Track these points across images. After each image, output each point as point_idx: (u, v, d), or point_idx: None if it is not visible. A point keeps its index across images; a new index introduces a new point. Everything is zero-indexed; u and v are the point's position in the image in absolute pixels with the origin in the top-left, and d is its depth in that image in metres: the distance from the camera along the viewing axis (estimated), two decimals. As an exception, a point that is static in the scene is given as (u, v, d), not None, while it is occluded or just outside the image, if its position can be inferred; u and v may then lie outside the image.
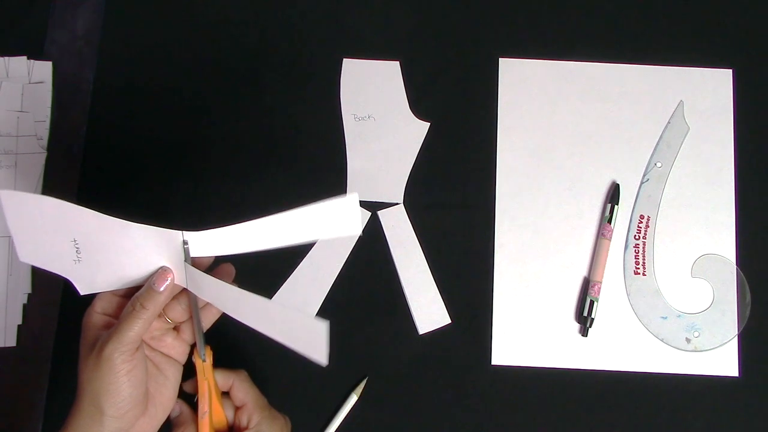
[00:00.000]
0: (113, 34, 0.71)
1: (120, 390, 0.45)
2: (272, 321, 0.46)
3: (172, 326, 0.51)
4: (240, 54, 0.70)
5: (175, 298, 0.49)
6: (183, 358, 0.51)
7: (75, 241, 0.47)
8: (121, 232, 0.46)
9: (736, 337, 0.65)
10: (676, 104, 0.69)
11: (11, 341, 0.64)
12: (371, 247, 0.66)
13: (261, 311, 0.46)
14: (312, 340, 0.43)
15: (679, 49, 0.70)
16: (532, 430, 0.63)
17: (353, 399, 0.63)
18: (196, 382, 0.51)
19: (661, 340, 0.65)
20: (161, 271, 0.48)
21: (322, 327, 0.42)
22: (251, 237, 0.47)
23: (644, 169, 0.68)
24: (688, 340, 0.65)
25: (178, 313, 0.49)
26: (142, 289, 0.47)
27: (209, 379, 0.50)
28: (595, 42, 0.70)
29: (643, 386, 0.64)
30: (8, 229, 0.46)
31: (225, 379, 0.52)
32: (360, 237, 0.66)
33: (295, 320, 0.45)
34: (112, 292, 0.49)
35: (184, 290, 0.49)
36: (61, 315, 0.64)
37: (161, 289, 0.47)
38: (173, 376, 0.50)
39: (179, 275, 0.48)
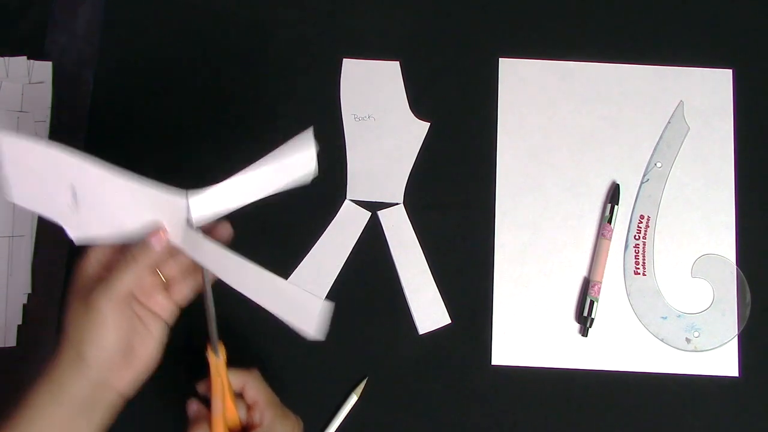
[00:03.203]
0: (113, 34, 0.71)
1: (104, 339, 0.45)
2: (268, 292, 0.46)
3: (165, 284, 0.50)
4: (240, 54, 0.70)
5: (171, 255, 0.49)
6: (170, 319, 0.51)
7: (74, 190, 0.47)
8: (123, 187, 0.46)
9: (736, 337, 0.65)
10: (676, 104, 0.69)
11: (11, 341, 0.64)
12: (371, 247, 0.66)
13: (258, 281, 0.46)
14: (305, 315, 0.44)
15: (679, 49, 0.70)
16: (532, 430, 0.63)
17: (353, 399, 0.63)
18: (210, 379, 0.51)
19: (661, 340, 0.65)
20: (157, 228, 0.48)
21: (316, 302, 0.43)
22: (246, 189, 0.48)
23: (644, 169, 0.68)
24: (688, 340, 0.65)
25: (173, 270, 0.50)
26: (137, 243, 0.48)
27: (222, 376, 0.51)
28: (595, 42, 0.70)
29: (643, 386, 0.64)
30: (2, 169, 0.46)
31: (238, 378, 0.52)
32: (360, 237, 0.66)
33: (291, 293, 0.46)
34: (109, 245, 0.49)
35: (195, 265, 0.50)
36: (61, 315, 0.64)
37: (155, 245, 0.47)
38: (158, 334, 0.49)
39: (178, 234, 0.48)
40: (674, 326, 0.65)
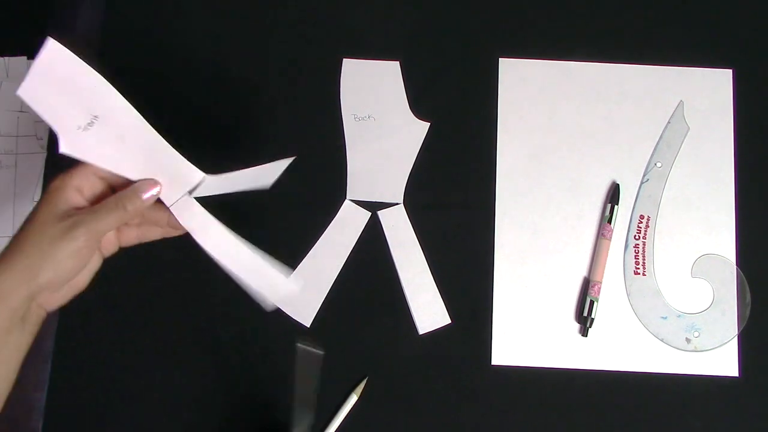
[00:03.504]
0: (113, 34, 0.71)
1: (66, 266, 0.46)
2: (243, 263, 0.50)
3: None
4: (240, 54, 0.70)
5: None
6: (108, 254, 0.51)
7: (95, 117, 0.49)
8: (152, 140, 0.49)
9: (736, 337, 0.65)
10: (676, 104, 0.69)
11: (11, 341, 0.64)
12: (371, 247, 0.66)
13: (235, 252, 0.50)
14: (273, 291, 0.50)
15: (679, 49, 0.70)
16: (532, 430, 0.63)
17: (353, 399, 0.63)
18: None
19: (661, 340, 0.65)
20: (151, 182, 0.49)
21: (285, 281, 0.49)
22: (242, 181, 0.52)
23: (644, 169, 0.68)
24: (688, 340, 0.65)
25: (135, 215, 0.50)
26: (129, 191, 0.48)
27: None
28: (595, 42, 0.70)
29: (643, 386, 0.64)
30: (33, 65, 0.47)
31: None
32: (360, 237, 0.66)
33: (263, 268, 0.50)
34: (94, 172, 0.49)
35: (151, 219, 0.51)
36: (61, 315, 0.64)
37: (145, 197, 0.48)
38: (96, 267, 0.50)
39: (171, 197, 0.50)
40: (674, 326, 0.65)
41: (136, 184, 0.49)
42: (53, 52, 0.47)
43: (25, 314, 0.46)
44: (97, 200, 0.49)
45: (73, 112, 0.48)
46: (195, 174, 0.50)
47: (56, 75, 0.48)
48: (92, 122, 0.48)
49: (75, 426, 0.63)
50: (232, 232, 0.50)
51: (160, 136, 0.50)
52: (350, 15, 0.71)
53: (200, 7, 0.71)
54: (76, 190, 0.48)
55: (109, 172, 0.49)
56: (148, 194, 0.49)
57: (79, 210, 0.47)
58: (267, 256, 0.51)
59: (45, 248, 0.45)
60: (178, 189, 0.50)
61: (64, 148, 0.48)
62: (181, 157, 0.50)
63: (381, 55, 0.70)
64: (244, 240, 0.50)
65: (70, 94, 0.48)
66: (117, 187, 0.50)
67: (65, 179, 0.48)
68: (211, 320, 0.65)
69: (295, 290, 0.51)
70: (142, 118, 0.49)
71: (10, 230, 0.66)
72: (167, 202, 0.50)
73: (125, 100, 0.49)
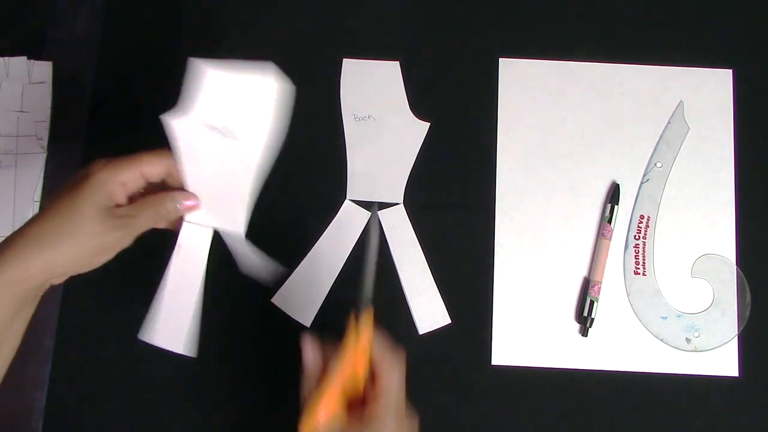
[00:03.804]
0: (113, 34, 0.71)
1: (95, 261, 0.47)
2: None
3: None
4: (240, 54, 0.70)
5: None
6: None
7: (222, 130, 0.48)
8: (239, 180, 0.49)
9: (736, 337, 0.65)
10: (676, 104, 0.69)
11: (11, 341, 0.64)
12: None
13: (181, 293, 0.51)
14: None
15: (679, 49, 0.70)
16: (532, 430, 0.63)
17: (353, 399, 0.63)
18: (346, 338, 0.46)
19: (661, 340, 0.65)
20: (192, 196, 0.50)
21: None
22: None
23: (644, 169, 0.68)
24: (688, 340, 0.65)
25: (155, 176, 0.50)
26: (167, 198, 0.49)
27: (360, 342, 0.45)
28: (595, 42, 0.70)
29: (643, 386, 0.64)
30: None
31: (379, 354, 0.46)
32: (360, 237, 0.66)
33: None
34: (143, 171, 0.48)
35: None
36: (61, 315, 0.64)
37: (181, 208, 0.49)
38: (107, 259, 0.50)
39: (201, 218, 0.51)
40: (674, 326, 0.65)
41: (176, 193, 0.49)
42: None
43: (39, 292, 0.47)
44: (134, 197, 0.49)
45: (211, 110, 0.48)
46: (238, 227, 0.50)
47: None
48: (212, 127, 0.48)
49: (75, 426, 0.63)
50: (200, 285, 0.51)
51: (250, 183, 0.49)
52: (350, 15, 0.71)
53: (200, 7, 0.71)
54: (121, 185, 0.47)
55: (157, 175, 0.49)
56: (185, 208, 0.49)
57: (119, 208, 0.47)
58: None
59: (83, 242, 0.45)
60: (211, 221, 0.50)
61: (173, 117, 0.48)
62: (247, 206, 0.49)
63: (381, 55, 0.70)
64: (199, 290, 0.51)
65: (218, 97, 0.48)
66: (153, 188, 0.50)
67: (113, 173, 0.47)
68: (212, 320, 0.65)
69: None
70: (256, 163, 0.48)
71: (10, 230, 0.66)
72: (190, 218, 0.50)
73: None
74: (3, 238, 0.65)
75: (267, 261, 0.53)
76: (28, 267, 0.44)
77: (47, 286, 0.48)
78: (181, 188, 0.50)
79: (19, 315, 0.46)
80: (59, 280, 0.48)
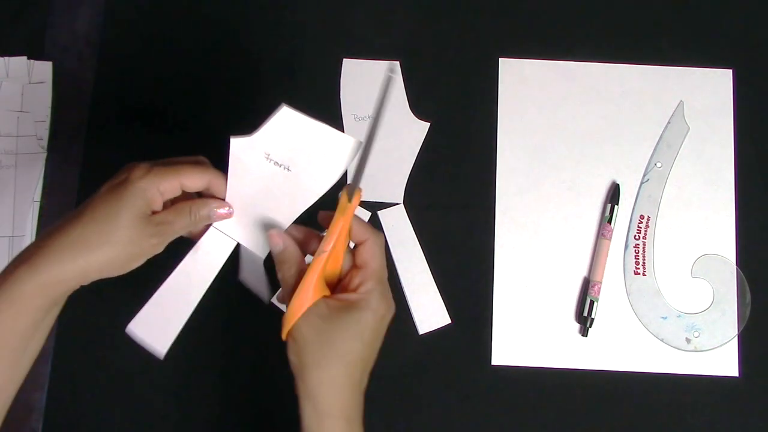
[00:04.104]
0: (113, 34, 0.71)
1: (128, 267, 0.47)
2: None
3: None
4: (240, 54, 0.70)
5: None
6: None
7: (279, 162, 0.48)
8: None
9: (736, 337, 0.65)
10: (676, 104, 0.69)
11: (11, 341, 0.64)
12: (371, 247, 0.66)
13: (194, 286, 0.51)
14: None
15: (679, 49, 0.70)
16: (532, 430, 0.63)
17: (353, 399, 0.63)
18: (330, 217, 0.47)
19: (661, 340, 0.65)
20: (226, 204, 0.49)
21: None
22: None
23: (644, 169, 0.68)
24: (688, 340, 0.65)
25: (194, 186, 0.50)
26: (203, 205, 0.49)
27: (347, 220, 0.46)
28: (595, 42, 0.70)
29: (643, 386, 0.64)
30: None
31: (361, 231, 0.47)
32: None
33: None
34: (182, 182, 0.48)
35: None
36: (61, 315, 0.64)
37: (213, 217, 0.49)
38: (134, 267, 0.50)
39: (230, 229, 0.51)
40: (674, 326, 0.65)
41: (212, 200, 0.49)
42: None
43: (64, 295, 0.47)
44: (168, 205, 0.49)
45: (273, 145, 0.48)
46: (261, 251, 0.50)
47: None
48: (270, 158, 0.48)
49: (75, 426, 0.63)
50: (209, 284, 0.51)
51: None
52: (350, 15, 0.71)
53: (200, 8, 0.71)
54: (160, 194, 0.47)
55: (196, 188, 0.49)
56: (218, 216, 0.49)
57: (156, 215, 0.47)
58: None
59: (120, 250, 0.45)
60: (239, 235, 0.50)
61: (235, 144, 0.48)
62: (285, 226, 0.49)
63: (381, 55, 0.70)
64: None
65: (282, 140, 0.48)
66: (187, 195, 0.50)
67: (154, 182, 0.46)
68: (213, 320, 0.65)
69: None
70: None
71: (9, 230, 0.66)
72: (219, 226, 0.50)
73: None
74: (3, 238, 0.66)
75: (269, 288, 0.53)
76: (64, 271, 0.44)
77: (77, 287, 0.48)
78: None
79: (48, 315, 0.46)
80: (88, 282, 0.48)
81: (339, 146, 0.47)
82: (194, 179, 0.48)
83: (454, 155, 0.68)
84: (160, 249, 0.48)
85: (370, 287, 0.46)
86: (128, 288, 0.65)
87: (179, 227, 0.48)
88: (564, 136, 0.69)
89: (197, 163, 0.49)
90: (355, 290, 0.46)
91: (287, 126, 0.47)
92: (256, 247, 0.50)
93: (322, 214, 0.49)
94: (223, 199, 0.50)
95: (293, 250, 0.48)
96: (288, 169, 0.48)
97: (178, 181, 0.47)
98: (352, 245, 0.49)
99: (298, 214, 0.49)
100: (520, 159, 0.68)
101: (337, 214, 0.46)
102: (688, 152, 0.68)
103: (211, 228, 0.50)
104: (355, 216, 0.47)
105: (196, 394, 0.64)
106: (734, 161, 0.68)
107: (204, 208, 0.49)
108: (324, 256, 0.45)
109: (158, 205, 0.47)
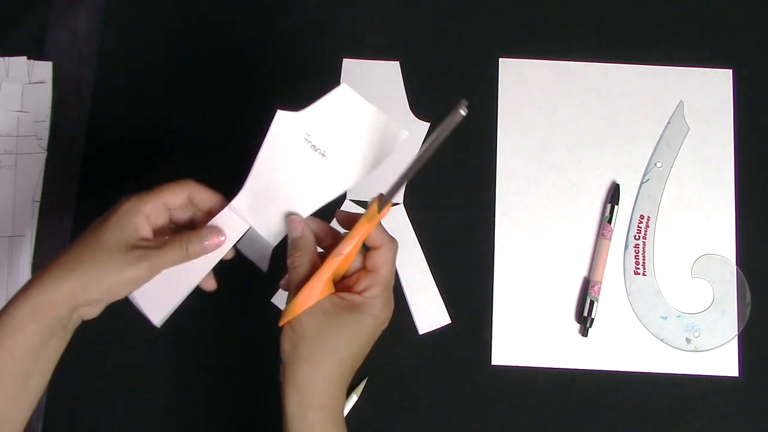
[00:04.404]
0: (113, 34, 0.71)
1: (119, 292, 0.47)
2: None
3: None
4: (240, 54, 0.70)
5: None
6: None
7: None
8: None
9: (736, 337, 0.65)
10: (676, 104, 0.69)
11: (11, 341, 0.64)
12: (371, 247, 0.66)
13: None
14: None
15: (679, 49, 0.70)
16: (532, 430, 0.63)
17: (353, 399, 0.63)
18: (348, 217, 0.48)
19: (661, 340, 0.65)
20: (218, 233, 0.49)
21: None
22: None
23: (644, 169, 0.68)
24: (688, 340, 0.65)
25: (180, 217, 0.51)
26: (194, 236, 0.49)
27: (371, 228, 0.46)
28: (595, 42, 0.70)
29: (643, 386, 0.64)
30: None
31: (379, 237, 0.47)
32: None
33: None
34: (166, 203, 0.49)
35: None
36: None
37: (207, 244, 0.49)
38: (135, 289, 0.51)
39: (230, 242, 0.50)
40: (674, 326, 0.65)
41: (202, 231, 0.49)
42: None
43: (67, 323, 0.47)
44: (158, 231, 0.49)
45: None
46: (274, 238, 0.50)
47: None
48: (309, 139, 0.48)
49: (75, 426, 0.63)
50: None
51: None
52: (350, 15, 0.71)
53: (199, 8, 0.71)
54: (145, 218, 0.48)
55: (179, 204, 0.49)
56: (210, 245, 0.49)
57: (144, 240, 0.48)
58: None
59: (105, 271, 0.46)
60: (253, 219, 0.50)
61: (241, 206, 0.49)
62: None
63: (381, 55, 0.70)
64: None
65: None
66: (177, 221, 0.51)
67: (138, 204, 0.48)
68: (213, 320, 0.65)
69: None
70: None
71: (9, 230, 0.66)
72: (235, 206, 0.50)
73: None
74: (3, 238, 0.66)
75: (269, 261, 0.53)
76: (52, 293, 0.45)
77: (77, 320, 0.48)
78: (207, 219, 0.50)
79: (47, 346, 0.46)
80: (89, 312, 0.48)
81: (387, 135, 0.47)
82: (174, 194, 0.49)
83: (454, 155, 0.68)
84: (149, 276, 0.47)
85: (376, 293, 0.47)
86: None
87: (170, 257, 0.48)
88: (564, 136, 0.69)
89: (177, 180, 0.50)
90: (360, 292, 0.47)
91: (340, 106, 0.47)
92: (268, 232, 0.50)
93: (340, 214, 0.49)
94: (210, 211, 0.50)
95: (310, 239, 0.48)
96: (324, 155, 0.48)
97: (160, 200, 0.48)
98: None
99: (321, 205, 0.49)
100: (520, 159, 0.68)
101: (363, 220, 0.46)
102: (688, 152, 0.68)
103: (225, 209, 0.50)
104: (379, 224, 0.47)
105: (197, 394, 0.64)
106: (734, 161, 0.68)
107: (197, 241, 0.49)
108: (340, 258, 0.46)
109: (145, 231, 0.48)
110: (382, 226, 0.48)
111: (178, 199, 0.49)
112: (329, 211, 0.49)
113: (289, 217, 0.48)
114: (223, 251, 0.50)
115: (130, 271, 0.46)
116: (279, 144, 0.48)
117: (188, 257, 0.48)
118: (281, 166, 0.49)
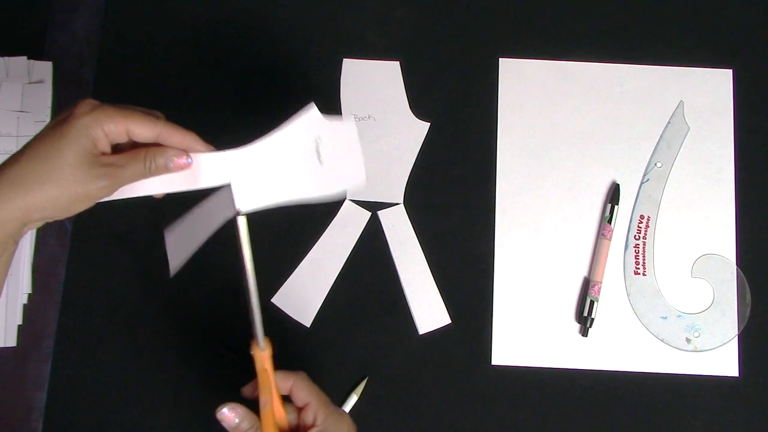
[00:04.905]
0: (113, 34, 0.71)
1: (75, 209, 0.45)
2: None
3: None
4: (240, 54, 0.70)
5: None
6: None
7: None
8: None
9: (736, 337, 0.65)
10: (676, 104, 0.69)
11: (11, 341, 0.64)
12: (371, 247, 0.66)
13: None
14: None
15: (679, 49, 0.70)
16: (532, 430, 0.63)
17: (353, 399, 0.63)
18: (256, 377, 0.50)
19: (661, 340, 0.65)
20: (183, 154, 0.47)
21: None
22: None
23: (644, 169, 0.68)
24: (688, 340, 0.65)
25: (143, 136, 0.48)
26: (159, 153, 0.47)
27: (268, 369, 0.49)
28: (595, 42, 0.70)
29: (643, 386, 0.64)
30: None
31: (284, 380, 0.50)
32: (360, 237, 0.66)
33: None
34: (128, 127, 0.46)
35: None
36: (61, 315, 0.64)
37: (171, 167, 0.47)
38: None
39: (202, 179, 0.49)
40: (674, 326, 0.65)
41: (169, 149, 0.47)
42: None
43: (18, 238, 0.45)
44: (121, 148, 0.47)
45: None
46: (245, 201, 0.48)
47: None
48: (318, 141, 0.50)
49: (75, 426, 0.63)
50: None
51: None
52: (350, 15, 0.71)
53: (199, 8, 0.71)
54: (104, 134, 0.45)
55: (143, 138, 0.47)
56: (176, 167, 0.47)
57: (104, 156, 0.45)
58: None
59: (65, 189, 0.44)
60: (233, 178, 0.49)
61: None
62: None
63: (381, 55, 0.70)
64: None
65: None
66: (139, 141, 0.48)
67: (99, 119, 0.45)
68: (213, 320, 0.65)
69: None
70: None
71: (10, 230, 0.66)
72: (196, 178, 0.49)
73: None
74: (3, 238, 0.66)
75: (185, 261, 0.51)
76: (5, 213, 0.43)
77: (24, 231, 0.46)
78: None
79: None
80: (35, 225, 0.46)
81: (345, 134, 0.50)
82: (143, 128, 0.46)
83: (454, 155, 0.68)
84: (108, 193, 0.45)
85: (323, 417, 0.49)
86: (128, 287, 0.65)
87: (131, 173, 0.46)
88: (564, 136, 0.69)
89: (149, 114, 0.47)
90: (312, 425, 0.49)
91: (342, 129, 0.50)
92: (240, 196, 0.48)
93: (245, 387, 0.51)
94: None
95: (249, 417, 0.49)
96: (321, 162, 0.49)
97: (124, 125, 0.45)
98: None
99: (304, 199, 0.49)
100: (520, 159, 0.68)
101: (258, 369, 0.49)
102: (688, 152, 0.68)
103: (217, 153, 0.49)
104: (272, 364, 0.50)
105: (197, 394, 0.64)
106: (734, 161, 0.68)
107: (161, 157, 0.46)
108: (268, 409, 0.49)
109: (104, 146, 0.45)
110: (278, 372, 0.50)
111: (145, 134, 0.46)
112: (325, 207, 0.49)
113: (219, 414, 0.49)
114: (188, 184, 0.48)
115: (93, 189, 0.44)
116: (299, 134, 0.49)
117: (149, 173, 0.46)
118: (287, 153, 0.49)
